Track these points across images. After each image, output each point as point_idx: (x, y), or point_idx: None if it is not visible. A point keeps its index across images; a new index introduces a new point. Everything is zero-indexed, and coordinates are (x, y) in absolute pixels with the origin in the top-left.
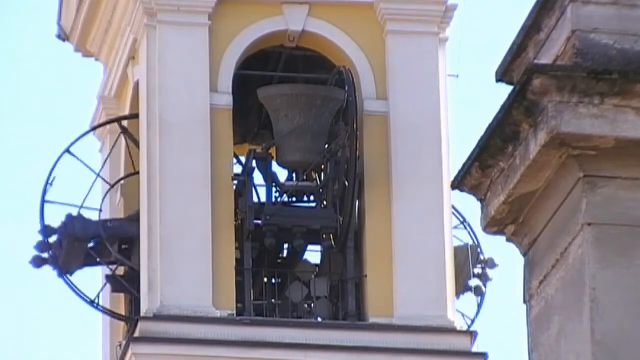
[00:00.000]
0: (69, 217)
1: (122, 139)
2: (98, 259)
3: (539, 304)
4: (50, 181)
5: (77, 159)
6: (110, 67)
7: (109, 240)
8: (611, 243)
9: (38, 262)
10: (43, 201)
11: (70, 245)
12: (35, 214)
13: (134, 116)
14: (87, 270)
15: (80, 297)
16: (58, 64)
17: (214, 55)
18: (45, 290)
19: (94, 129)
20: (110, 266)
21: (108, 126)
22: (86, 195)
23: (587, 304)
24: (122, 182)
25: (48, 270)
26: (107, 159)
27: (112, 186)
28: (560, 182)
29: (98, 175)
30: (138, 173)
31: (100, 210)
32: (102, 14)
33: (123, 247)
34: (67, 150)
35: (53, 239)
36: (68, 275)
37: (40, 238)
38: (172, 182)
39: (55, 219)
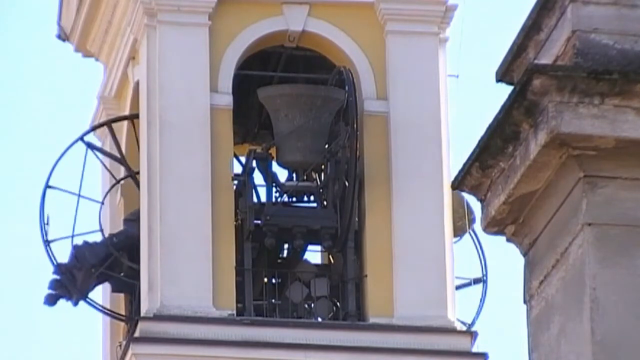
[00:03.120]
0: (76, 247)
1: (123, 138)
2: (112, 274)
3: (539, 304)
4: (46, 221)
5: (93, 147)
6: (110, 67)
7: (121, 255)
8: (611, 243)
9: (52, 300)
10: (46, 243)
11: (85, 274)
12: (37, 212)
13: (134, 116)
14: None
15: (105, 313)
16: (58, 64)
17: (214, 55)
18: (45, 290)
19: (94, 129)
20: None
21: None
22: (75, 216)
23: (587, 304)
24: (122, 182)
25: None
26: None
27: (103, 199)
28: (560, 182)
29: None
30: (138, 173)
31: (100, 228)
32: (102, 14)
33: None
34: (76, 142)
35: (63, 269)
36: (86, 299)
37: (53, 276)
38: (172, 182)
39: (58, 247)
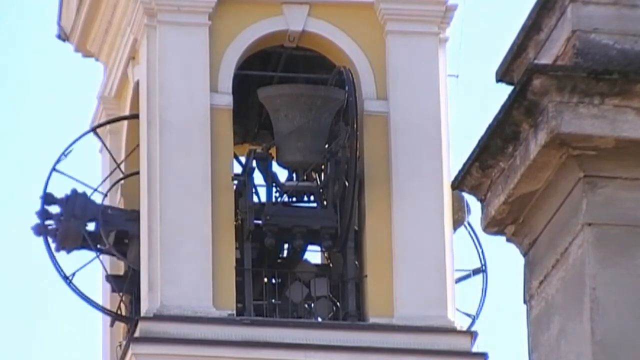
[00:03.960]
0: (74, 192)
1: (123, 138)
2: (94, 245)
3: (539, 304)
4: (66, 152)
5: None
6: (110, 67)
7: (104, 226)
8: (611, 243)
9: (39, 230)
10: (53, 169)
11: (67, 221)
12: (37, 203)
13: (134, 116)
14: (87, 269)
15: (57, 269)
16: (58, 64)
17: (214, 55)
18: (45, 290)
19: (94, 129)
20: (103, 255)
21: (108, 126)
22: (102, 181)
23: (587, 304)
24: (122, 182)
25: (45, 243)
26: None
27: (119, 180)
28: (560, 182)
29: (118, 165)
30: (138, 173)
31: (105, 195)
32: (102, 14)
33: (124, 240)
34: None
35: (55, 209)
36: (71, 279)
37: (43, 205)
38: (172, 182)
39: (61, 192)
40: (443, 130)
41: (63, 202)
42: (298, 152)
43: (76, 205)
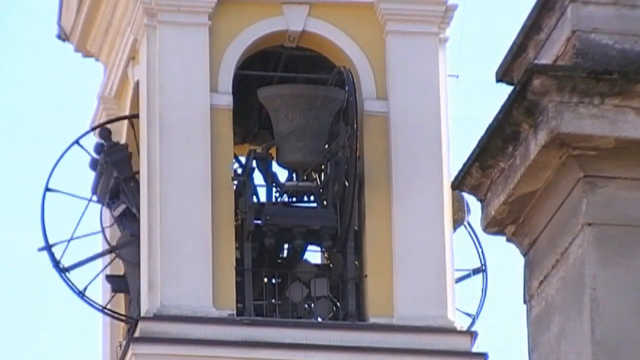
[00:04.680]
0: (125, 145)
1: (123, 138)
2: (105, 196)
3: (539, 304)
4: (130, 116)
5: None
6: (110, 67)
7: (121, 193)
8: (611, 243)
9: (94, 165)
10: (128, 117)
11: (102, 166)
12: (37, 203)
13: (134, 116)
14: (86, 269)
15: (105, 313)
16: (58, 64)
17: (214, 55)
18: (46, 290)
19: (94, 128)
20: (114, 209)
21: (108, 126)
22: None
23: (587, 304)
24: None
25: (51, 258)
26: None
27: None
28: (560, 182)
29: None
30: (138, 173)
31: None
32: (102, 14)
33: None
34: (77, 142)
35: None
36: (68, 273)
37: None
38: (172, 182)
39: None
40: (443, 130)
41: (110, 144)
42: (298, 152)
43: (115, 154)
